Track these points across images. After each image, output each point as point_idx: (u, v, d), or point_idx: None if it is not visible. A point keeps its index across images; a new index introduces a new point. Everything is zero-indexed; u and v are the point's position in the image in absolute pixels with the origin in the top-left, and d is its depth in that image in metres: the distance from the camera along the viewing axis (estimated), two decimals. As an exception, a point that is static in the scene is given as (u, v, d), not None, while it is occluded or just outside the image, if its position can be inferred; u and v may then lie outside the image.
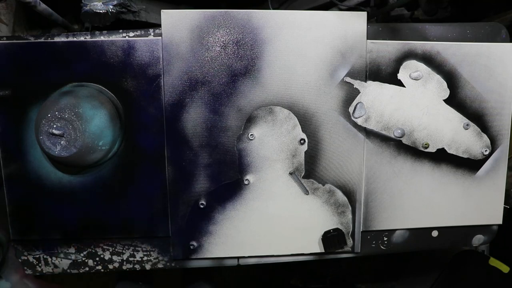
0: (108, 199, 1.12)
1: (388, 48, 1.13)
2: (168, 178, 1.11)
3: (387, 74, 1.14)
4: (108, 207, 1.12)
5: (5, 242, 1.22)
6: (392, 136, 1.17)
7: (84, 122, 0.97)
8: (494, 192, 1.24)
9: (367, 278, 2.11)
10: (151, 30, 1.07)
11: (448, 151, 1.20)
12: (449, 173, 1.21)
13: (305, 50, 1.09)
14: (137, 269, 1.18)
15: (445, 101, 1.18)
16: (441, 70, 1.16)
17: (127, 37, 1.07)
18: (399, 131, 1.16)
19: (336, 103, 1.13)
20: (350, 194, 1.17)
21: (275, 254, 1.18)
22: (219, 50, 1.07)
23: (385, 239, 1.24)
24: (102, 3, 1.12)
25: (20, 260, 1.17)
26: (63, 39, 1.06)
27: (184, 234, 1.14)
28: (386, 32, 1.15)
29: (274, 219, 1.15)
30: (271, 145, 1.12)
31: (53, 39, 1.05)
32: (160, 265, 1.18)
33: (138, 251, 1.17)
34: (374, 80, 1.14)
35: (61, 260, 1.17)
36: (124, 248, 1.17)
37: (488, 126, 1.21)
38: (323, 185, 1.15)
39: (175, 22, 1.05)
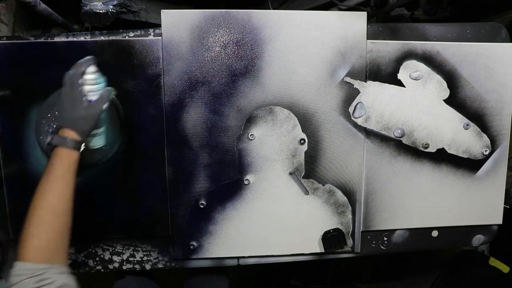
0: (108, 199, 1.12)
1: (388, 48, 1.13)
2: (168, 178, 1.11)
3: (387, 74, 1.14)
4: (108, 207, 1.12)
5: (5, 242, 1.21)
6: (392, 136, 1.17)
7: (84, 122, 0.97)
8: (494, 192, 1.24)
9: (367, 278, 2.11)
10: (151, 30, 1.07)
11: (448, 151, 1.20)
12: (449, 173, 1.21)
13: (305, 50, 1.09)
14: (137, 269, 1.18)
15: (445, 101, 1.17)
16: (441, 70, 1.16)
17: (127, 37, 1.07)
18: (399, 131, 1.16)
19: (336, 103, 1.13)
20: (350, 194, 1.17)
21: (275, 254, 1.18)
22: (219, 50, 1.07)
23: (385, 239, 1.24)
24: (102, 3, 1.12)
25: (20, 260, 1.17)
26: (63, 39, 1.06)
27: (184, 234, 1.14)
28: (386, 32, 1.15)
29: (274, 219, 1.15)
30: (271, 145, 1.12)
31: (53, 39, 1.05)
32: (160, 265, 1.18)
33: (138, 251, 1.17)
34: (374, 80, 1.14)
35: (61, 260, 1.17)
36: (124, 248, 1.17)
37: (488, 126, 1.21)
38: (323, 185, 1.15)
39: (175, 22, 1.05)
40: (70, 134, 0.80)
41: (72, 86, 0.82)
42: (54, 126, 0.82)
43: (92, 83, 0.85)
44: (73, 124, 0.81)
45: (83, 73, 0.84)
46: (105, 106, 0.85)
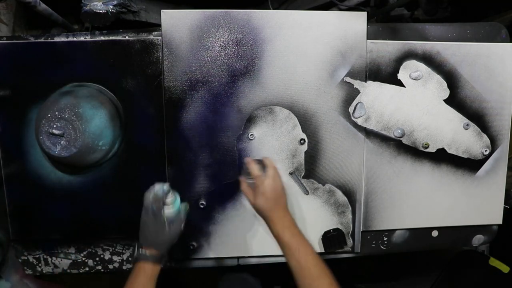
0: (108, 199, 1.12)
1: (388, 48, 1.13)
2: (168, 178, 1.11)
3: (387, 74, 1.14)
4: (108, 207, 1.13)
5: (5, 242, 1.21)
6: (392, 136, 1.17)
7: (84, 122, 0.97)
8: (494, 192, 1.24)
9: (367, 278, 2.11)
10: (151, 30, 1.07)
11: (448, 151, 1.20)
12: (449, 173, 1.21)
13: (305, 50, 1.09)
14: (137, 269, 1.17)
15: (445, 101, 1.17)
16: (441, 70, 1.16)
17: (127, 37, 1.07)
18: (399, 131, 1.16)
19: (336, 103, 1.13)
20: (350, 194, 1.17)
21: (275, 254, 1.18)
22: (219, 50, 1.07)
23: (385, 239, 1.24)
24: (102, 3, 1.12)
25: (20, 260, 1.17)
26: (63, 39, 1.06)
27: (184, 234, 1.14)
28: (386, 32, 1.15)
29: (274, 219, 1.15)
30: (271, 145, 1.12)
31: (53, 39, 1.05)
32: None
33: (138, 251, 1.17)
34: (374, 80, 1.14)
35: (61, 260, 1.17)
36: (124, 248, 1.17)
37: (488, 126, 1.21)
38: (323, 185, 1.15)
39: (175, 22, 1.05)
40: (155, 252, 0.90)
41: (155, 217, 0.90)
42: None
43: (170, 207, 0.92)
44: (157, 246, 0.91)
45: (163, 204, 0.91)
46: (183, 226, 0.95)
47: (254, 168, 0.95)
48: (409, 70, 1.15)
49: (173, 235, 0.92)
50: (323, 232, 1.17)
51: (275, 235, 0.90)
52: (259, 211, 0.93)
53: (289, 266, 0.86)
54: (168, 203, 0.92)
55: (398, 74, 1.15)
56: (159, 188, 0.91)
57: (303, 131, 1.12)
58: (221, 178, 1.12)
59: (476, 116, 1.19)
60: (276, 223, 0.89)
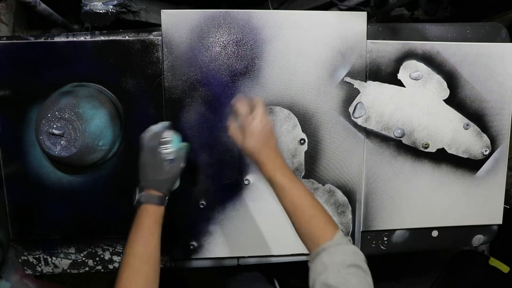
0: (108, 199, 1.12)
1: (388, 48, 1.13)
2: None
3: (387, 74, 1.14)
4: (108, 207, 1.12)
5: (5, 242, 1.21)
6: (392, 136, 1.17)
7: (84, 122, 0.97)
8: (494, 192, 1.24)
9: (367, 278, 2.10)
10: (151, 30, 1.07)
11: (448, 151, 1.20)
12: (449, 173, 1.21)
13: (305, 50, 1.09)
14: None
15: (445, 101, 1.17)
16: (441, 70, 1.16)
17: (127, 37, 1.07)
18: (399, 131, 1.16)
19: (336, 103, 1.13)
20: (350, 194, 1.17)
21: (275, 254, 1.18)
22: (219, 50, 1.07)
23: (385, 239, 1.24)
24: (102, 3, 1.12)
25: (20, 260, 1.17)
26: (63, 39, 1.06)
27: (184, 234, 1.14)
28: (386, 32, 1.15)
29: (274, 219, 1.15)
30: (271, 145, 1.12)
31: (53, 39, 1.05)
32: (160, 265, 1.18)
33: (138, 251, 1.16)
34: (374, 80, 1.14)
35: (61, 260, 1.17)
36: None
37: (488, 126, 1.21)
38: (323, 185, 1.15)
39: (175, 22, 1.05)
40: (156, 193, 0.88)
41: (153, 155, 0.89)
42: (139, 186, 0.91)
43: (169, 145, 0.90)
44: (159, 186, 0.89)
45: (161, 141, 0.90)
46: (182, 164, 0.93)
47: (242, 108, 0.89)
48: (409, 70, 1.15)
49: (174, 173, 0.90)
50: (323, 232, 1.17)
51: (266, 176, 0.84)
52: (249, 153, 0.87)
53: (283, 207, 0.82)
54: (166, 140, 0.90)
55: (398, 74, 1.15)
56: (156, 126, 0.92)
57: (303, 131, 1.12)
58: (221, 178, 1.12)
59: (476, 116, 1.19)
60: (267, 164, 0.84)
